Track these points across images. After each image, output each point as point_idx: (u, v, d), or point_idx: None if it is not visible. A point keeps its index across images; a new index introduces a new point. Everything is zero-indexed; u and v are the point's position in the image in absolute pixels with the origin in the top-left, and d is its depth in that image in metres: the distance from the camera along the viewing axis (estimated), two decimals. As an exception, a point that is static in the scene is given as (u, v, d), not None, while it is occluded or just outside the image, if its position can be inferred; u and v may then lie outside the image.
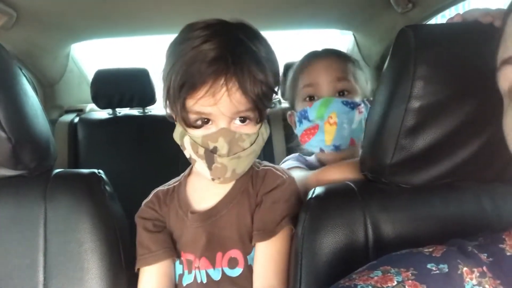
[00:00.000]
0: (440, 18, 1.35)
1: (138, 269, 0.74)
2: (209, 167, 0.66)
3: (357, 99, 0.89)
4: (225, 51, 0.60)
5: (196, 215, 0.72)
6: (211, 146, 0.64)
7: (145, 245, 0.73)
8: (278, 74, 0.68)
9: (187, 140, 0.67)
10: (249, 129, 0.66)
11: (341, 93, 0.88)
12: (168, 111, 0.68)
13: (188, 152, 0.69)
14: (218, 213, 0.72)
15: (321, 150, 0.91)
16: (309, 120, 0.90)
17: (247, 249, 0.71)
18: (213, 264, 0.71)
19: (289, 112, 1.00)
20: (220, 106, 0.60)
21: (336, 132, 0.86)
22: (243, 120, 0.65)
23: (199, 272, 0.72)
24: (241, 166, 0.68)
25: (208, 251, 0.71)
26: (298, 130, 0.94)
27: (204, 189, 0.75)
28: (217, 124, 0.64)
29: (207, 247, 0.71)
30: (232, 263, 0.71)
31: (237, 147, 0.65)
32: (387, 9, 1.36)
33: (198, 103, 0.61)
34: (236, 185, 0.74)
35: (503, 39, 0.45)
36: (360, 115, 0.88)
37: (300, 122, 0.93)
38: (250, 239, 0.71)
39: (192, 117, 0.63)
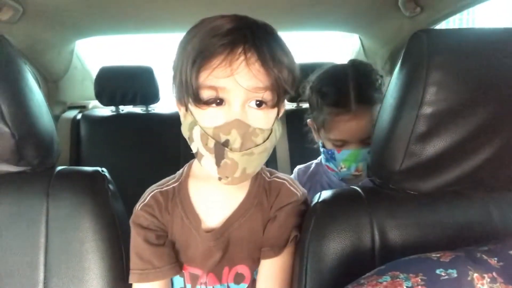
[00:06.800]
0: (448, 24, 1.34)
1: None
2: (218, 163, 0.58)
3: None
4: (242, 24, 0.57)
5: (211, 234, 0.67)
6: (222, 138, 0.57)
7: (146, 258, 0.66)
8: (296, 72, 0.62)
9: (197, 131, 0.59)
10: (264, 116, 0.59)
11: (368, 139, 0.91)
12: (176, 100, 0.64)
13: (196, 145, 0.61)
14: (230, 226, 0.67)
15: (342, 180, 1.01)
16: (335, 161, 0.96)
17: (255, 265, 0.69)
18: (219, 280, 0.69)
19: (309, 121, 1.03)
20: (237, 76, 0.54)
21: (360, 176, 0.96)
22: (259, 104, 0.58)
23: None
24: (252, 165, 0.60)
25: (217, 267, 0.69)
26: (324, 160, 1.01)
27: (212, 197, 0.70)
28: (230, 105, 0.57)
29: (217, 263, 0.68)
30: (238, 279, 0.69)
31: (250, 142, 0.58)
32: (394, 13, 1.35)
33: (213, 75, 0.55)
34: (249, 196, 0.69)
35: None
36: None
37: (327, 160, 0.99)
38: (259, 255, 0.68)
39: (205, 93, 0.56)
